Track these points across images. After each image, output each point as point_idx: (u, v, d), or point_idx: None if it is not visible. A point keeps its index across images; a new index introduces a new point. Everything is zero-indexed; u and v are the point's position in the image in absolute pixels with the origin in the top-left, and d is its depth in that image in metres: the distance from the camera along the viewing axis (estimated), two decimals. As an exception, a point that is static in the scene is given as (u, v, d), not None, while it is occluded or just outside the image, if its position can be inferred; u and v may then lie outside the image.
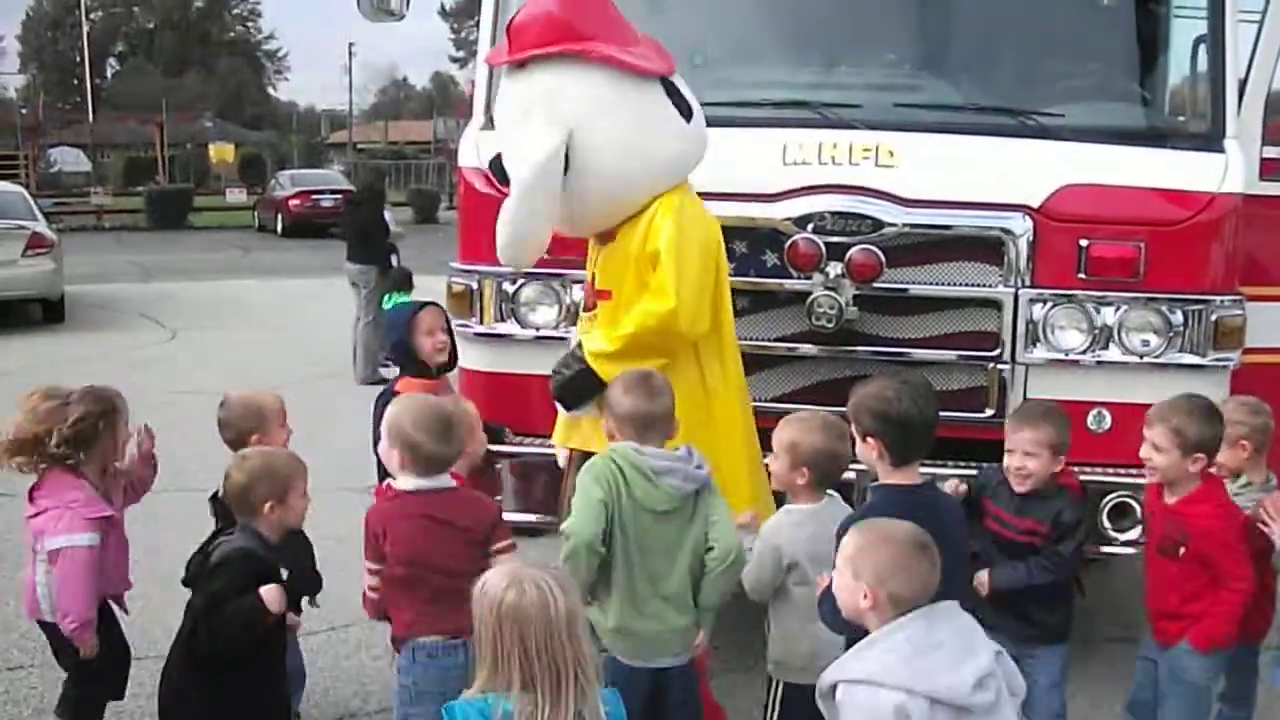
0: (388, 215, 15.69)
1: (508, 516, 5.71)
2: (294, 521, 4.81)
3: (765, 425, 5.42)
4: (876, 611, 3.58)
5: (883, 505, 4.31)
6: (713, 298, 4.98)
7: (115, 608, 5.44)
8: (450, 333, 6.06)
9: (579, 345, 5.09)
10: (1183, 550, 4.89)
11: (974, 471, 5.49)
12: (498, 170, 5.18)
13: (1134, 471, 5.41)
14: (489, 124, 6.34)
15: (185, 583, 4.71)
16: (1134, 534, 5.57)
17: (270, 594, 4.46)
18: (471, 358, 6.30)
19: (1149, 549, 5.11)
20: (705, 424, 4.95)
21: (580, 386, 5.00)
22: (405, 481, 4.58)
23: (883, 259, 5.64)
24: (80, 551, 5.02)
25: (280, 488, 4.68)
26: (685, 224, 4.88)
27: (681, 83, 5.08)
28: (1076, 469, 5.20)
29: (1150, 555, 5.10)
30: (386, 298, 13.69)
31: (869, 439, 4.47)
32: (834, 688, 3.57)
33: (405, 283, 13.89)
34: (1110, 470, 5.59)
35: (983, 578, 4.91)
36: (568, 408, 5.12)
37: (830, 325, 5.64)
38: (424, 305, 6.11)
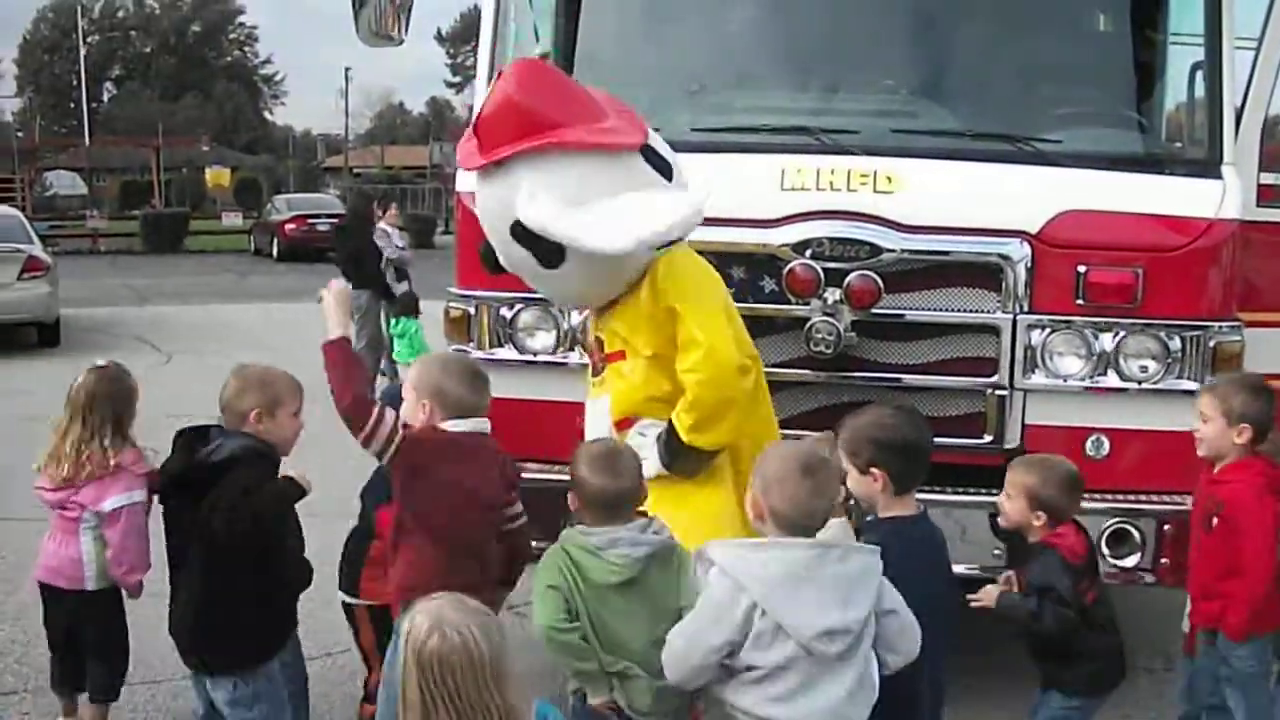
0: (393, 235, 15.64)
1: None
2: (279, 438, 5.00)
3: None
4: (763, 523, 3.91)
5: (890, 541, 4.26)
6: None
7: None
8: None
9: (669, 423, 4.91)
10: (1215, 520, 4.98)
11: (975, 498, 5.51)
12: (488, 260, 5.17)
13: (1132, 498, 5.42)
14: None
15: (180, 483, 4.91)
16: (1133, 560, 5.56)
17: (298, 472, 4.83)
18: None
19: (1193, 526, 5.20)
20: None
21: (691, 461, 4.92)
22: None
23: (881, 285, 5.64)
24: (139, 508, 5.48)
25: (270, 400, 4.91)
26: (688, 274, 4.91)
27: (658, 141, 5.01)
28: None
29: (1193, 533, 5.19)
30: (394, 323, 13.68)
31: (873, 470, 4.42)
32: (710, 565, 3.87)
33: (413, 308, 13.90)
34: (1109, 497, 5.57)
35: (991, 591, 4.90)
36: (679, 472, 4.99)
37: (829, 351, 5.63)
38: None
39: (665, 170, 4.93)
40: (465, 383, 4.67)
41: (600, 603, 4.22)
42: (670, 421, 4.87)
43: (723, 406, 4.82)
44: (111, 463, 5.46)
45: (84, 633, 5.72)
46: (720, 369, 4.78)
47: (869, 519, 4.52)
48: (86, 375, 5.60)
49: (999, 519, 5.04)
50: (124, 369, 5.75)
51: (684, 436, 4.83)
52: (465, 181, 6.22)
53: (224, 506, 4.71)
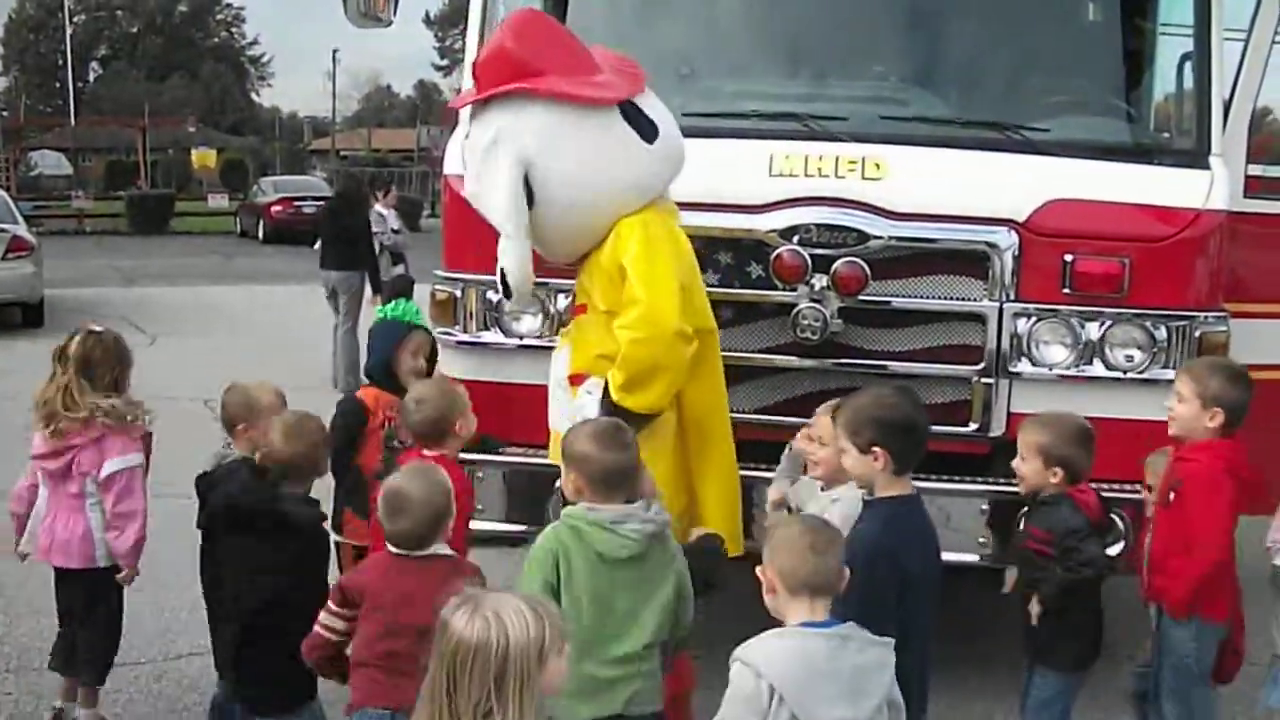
0: (389, 218, 15.60)
1: (491, 526, 5.74)
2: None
3: (747, 437, 5.45)
4: (775, 596, 3.80)
5: (890, 519, 4.39)
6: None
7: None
8: (431, 361, 6.14)
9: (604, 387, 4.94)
10: (1172, 495, 4.98)
11: (959, 486, 5.52)
12: (503, 285, 5.11)
13: (1117, 487, 5.42)
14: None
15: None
16: (1117, 548, 5.56)
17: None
18: (455, 366, 6.26)
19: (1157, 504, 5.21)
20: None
21: (628, 422, 4.79)
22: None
23: (868, 272, 5.64)
24: (138, 471, 5.50)
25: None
26: (650, 236, 4.89)
27: (650, 102, 5.06)
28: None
29: (1156, 510, 5.20)
30: (394, 305, 13.67)
31: (874, 449, 4.43)
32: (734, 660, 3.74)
33: (408, 290, 13.87)
34: (1094, 486, 5.57)
35: (1033, 605, 4.91)
36: None
37: (815, 338, 5.63)
38: (417, 327, 6.17)
39: (647, 131, 4.96)
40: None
41: (605, 577, 4.26)
42: (605, 386, 4.89)
43: (654, 369, 4.82)
44: (111, 419, 5.48)
45: (93, 611, 5.68)
46: (655, 329, 4.77)
47: (866, 499, 4.53)
48: (85, 335, 5.66)
49: (1018, 486, 5.07)
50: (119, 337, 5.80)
51: (614, 396, 4.83)
52: (453, 164, 6.22)
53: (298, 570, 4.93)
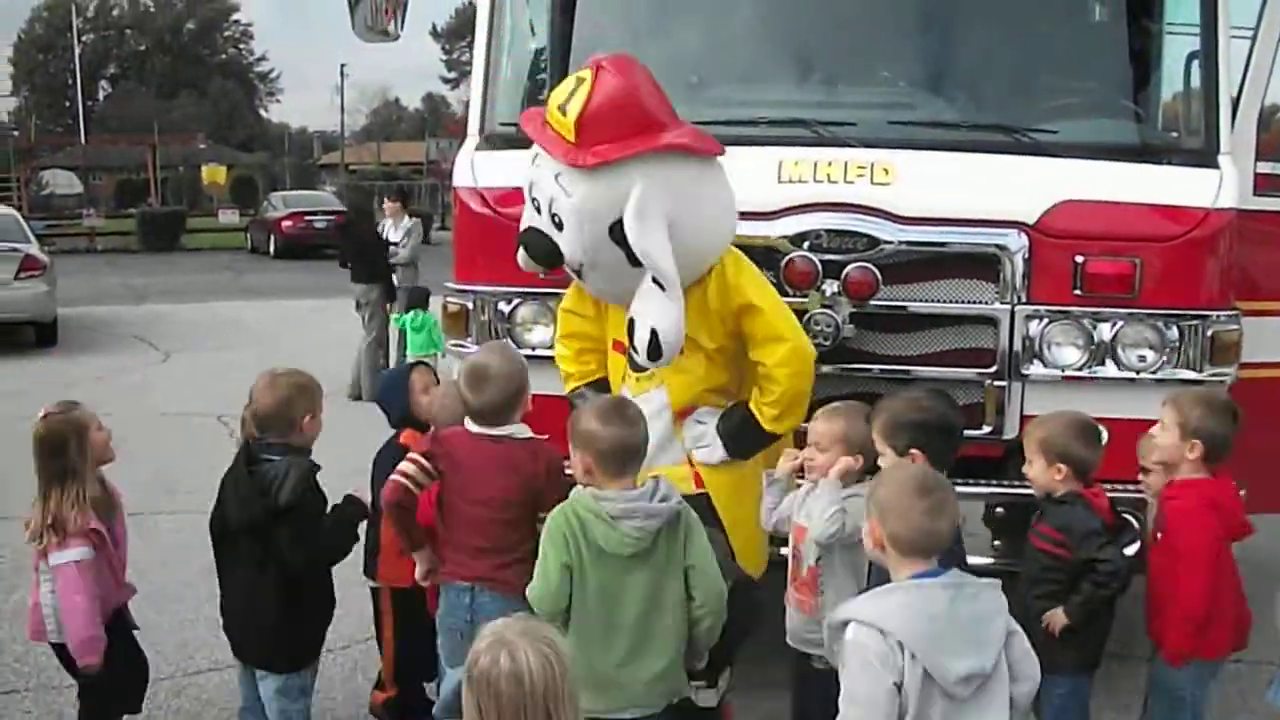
0: (388, 226, 15.69)
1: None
2: (314, 436, 5.18)
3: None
4: (884, 552, 3.80)
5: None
6: None
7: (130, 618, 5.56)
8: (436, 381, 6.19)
9: (745, 410, 5.15)
10: (1159, 536, 4.99)
11: (972, 489, 5.52)
12: (538, 249, 5.08)
13: (1131, 487, 5.41)
14: (484, 144, 6.35)
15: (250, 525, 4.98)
16: (1134, 549, 5.54)
17: (361, 493, 5.15)
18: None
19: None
20: None
21: (754, 442, 5.20)
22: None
23: (879, 277, 5.65)
24: (82, 567, 5.08)
25: (315, 403, 5.14)
26: (755, 272, 5.20)
27: None
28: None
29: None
30: (412, 316, 13.95)
31: (912, 451, 4.51)
32: (845, 624, 3.68)
33: (423, 301, 14.11)
34: (1108, 487, 5.54)
35: (1057, 616, 4.88)
36: (744, 458, 5.25)
37: (828, 343, 5.63)
38: (412, 367, 6.20)
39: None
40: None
41: (609, 572, 4.29)
42: (744, 412, 5.13)
43: (804, 396, 5.15)
44: (68, 523, 5.16)
45: (79, 675, 5.36)
46: (806, 362, 5.12)
47: None
48: (35, 424, 5.34)
49: (1034, 492, 5.09)
50: (69, 406, 5.41)
51: (768, 427, 5.10)
52: (463, 177, 6.24)
53: (302, 546, 5.01)
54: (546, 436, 5.05)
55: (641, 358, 4.93)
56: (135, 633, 5.58)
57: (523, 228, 5.15)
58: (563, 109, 4.80)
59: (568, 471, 5.00)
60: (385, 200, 16.72)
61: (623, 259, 4.88)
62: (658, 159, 4.84)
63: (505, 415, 4.89)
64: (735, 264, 5.10)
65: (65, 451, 5.20)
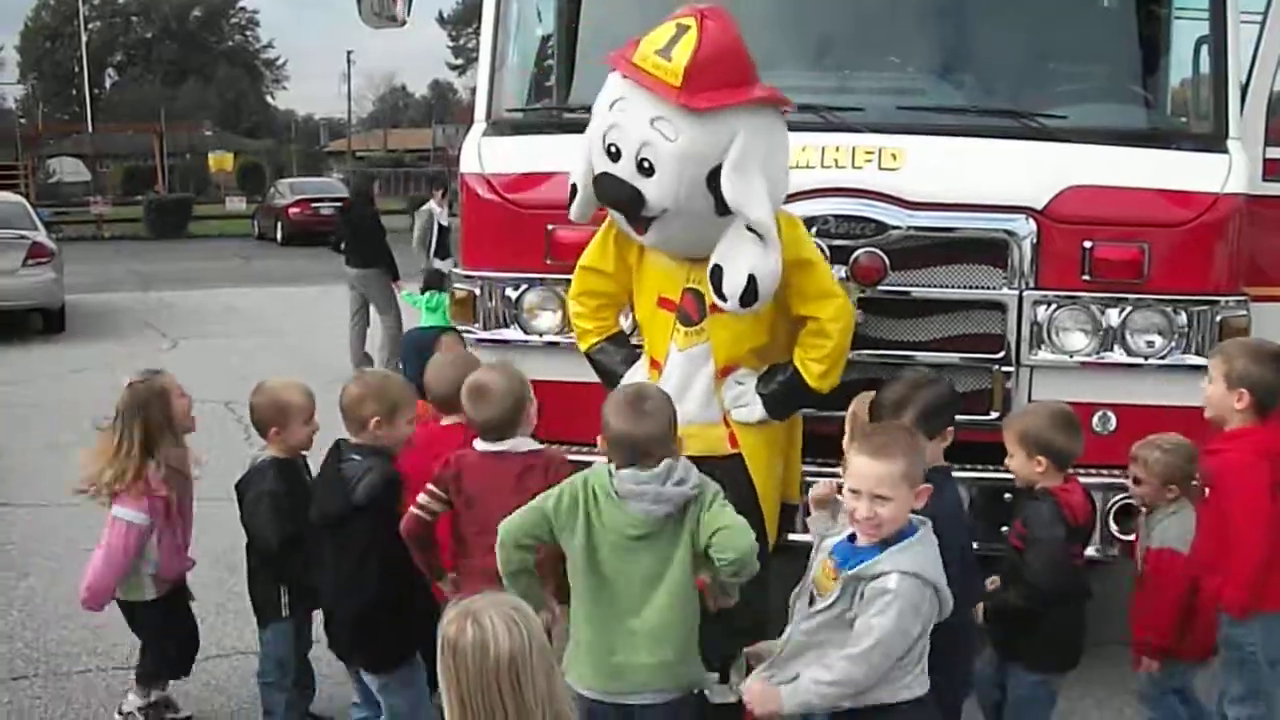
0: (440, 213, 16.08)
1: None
2: (394, 440, 5.24)
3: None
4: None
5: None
6: None
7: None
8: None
9: (789, 367, 5.18)
10: (1207, 491, 4.93)
11: (976, 474, 5.53)
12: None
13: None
14: (491, 129, 6.34)
15: (330, 516, 5.11)
16: (1094, 550, 5.56)
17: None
18: (475, 363, 6.27)
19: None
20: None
21: (796, 400, 5.26)
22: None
23: (887, 262, 5.64)
24: (134, 530, 5.53)
25: (389, 407, 5.16)
26: (806, 230, 5.27)
27: None
28: (1083, 476, 5.19)
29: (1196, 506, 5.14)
30: (428, 297, 14.16)
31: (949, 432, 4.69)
32: (881, 575, 3.92)
33: (439, 283, 14.35)
34: (1116, 472, 5.56)
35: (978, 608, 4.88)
36: (782, 418, 5.31)
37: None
38: (444, 330, 6.20)
39: None
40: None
41: (613, 551, 4.29)
42: (790, 370, 5.17)
43: (845, 353, 5.21)
44: (128, 478, 5.56)
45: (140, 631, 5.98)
46: (852, 318, 5.23)
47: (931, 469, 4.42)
48: (121, 391, 5.72)
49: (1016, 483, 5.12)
50: (154, 375, 5.82)
51: (814, 384, 5.15)
52: (470, 163, 6.23)
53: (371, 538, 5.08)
54: (552, 446, 5.13)
55: (732, 303, 4.90)
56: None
57: (595, 173, 5.05)
58: (664, 54, 4.76)
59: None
60: (432, 189, 16.99)
61: (711, 207, 4.85)
62: (755, 109, 4.88)
63: (508, 430, 4.93)
64: (789, 221, 5.11)
65: (148, 416, 5.58)
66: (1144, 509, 5.31)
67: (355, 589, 5.11)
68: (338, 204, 36.82)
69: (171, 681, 6.06)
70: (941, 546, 4.07)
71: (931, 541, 4.02)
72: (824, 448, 5.45)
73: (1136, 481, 5.26)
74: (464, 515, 4.94)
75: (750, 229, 4.80)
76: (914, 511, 4.06)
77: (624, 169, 4.91)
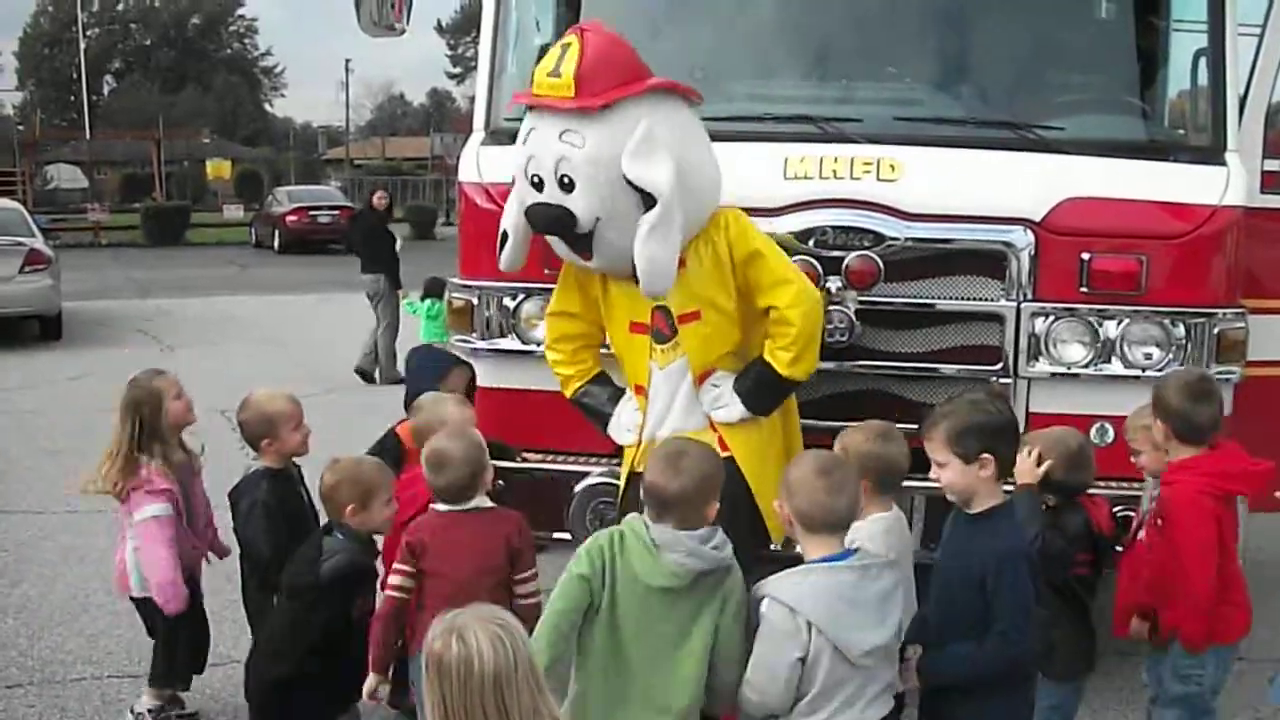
0: None
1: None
2: (373, 526, 5.25)
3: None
4: (793, 528, 4.13)
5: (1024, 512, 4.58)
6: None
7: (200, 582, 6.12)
8: (470, 393, 6.27)
9: (760, 361, 5.16)
10: (1159, 522, 4.92)
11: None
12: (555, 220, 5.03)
13: (1138, 485, 5.41)
14: (489, 138, 6.34)
15: (295, 588, 5.17)
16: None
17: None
18: (472, 373, 6.29)
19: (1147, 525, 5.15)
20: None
21: (771, 393, 5.22)
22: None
23: (881, 267, 5.63)
24: (163, 522, 5.73)
25: (363, 494, 5.15)
26: (755, 224, 5.25)
27: None
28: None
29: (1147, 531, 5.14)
30: (429, 304, 14.60)
31: (984, 458, 4.27)
32: (761, 599, 4.05)
33: (440, 290, 14.87)
34: (1114, 484, 5.56)
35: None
36: (763, 412, 5.29)
37: (844, 340, 5.61)
38: (458, 363, 6.25)
39: None
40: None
41: (639, 602, 4.17)
42: (760, 364, 5.14)
43: (816, 339, 5.16)
44: (136, 475, 5.75)
45: (154, 632, 6.10)
46: (814, 302, 5.15)
47: (970, 511, 4.36)
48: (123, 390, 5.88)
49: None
50: (152, 376, 5.95)
51: (784, 372, 5.10)
52: (468, 172, 6.23)
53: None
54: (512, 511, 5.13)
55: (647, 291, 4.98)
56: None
57: (523, 208, 5.09)
58: (554, 73, 4.87)
59: (524, 465, 5.62)
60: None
61: (637, 203, 4.86)
62: (655, 98, 4.93)
63: (467, 494, 4.96)
64: (736, 217, 5.14)
65: (140, 416, 5.75)
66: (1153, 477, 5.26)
67: (281, 656, 5.16)
68: (335, 212, 37.02)
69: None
70: (995, 591, 4.15)
71: (842, 575, 3.99)
72: None
73: (1135, 454, 5.27)
74: (428, 582, 4.93)
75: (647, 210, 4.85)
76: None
77: (549, 193, 4.98)
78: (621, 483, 5.49)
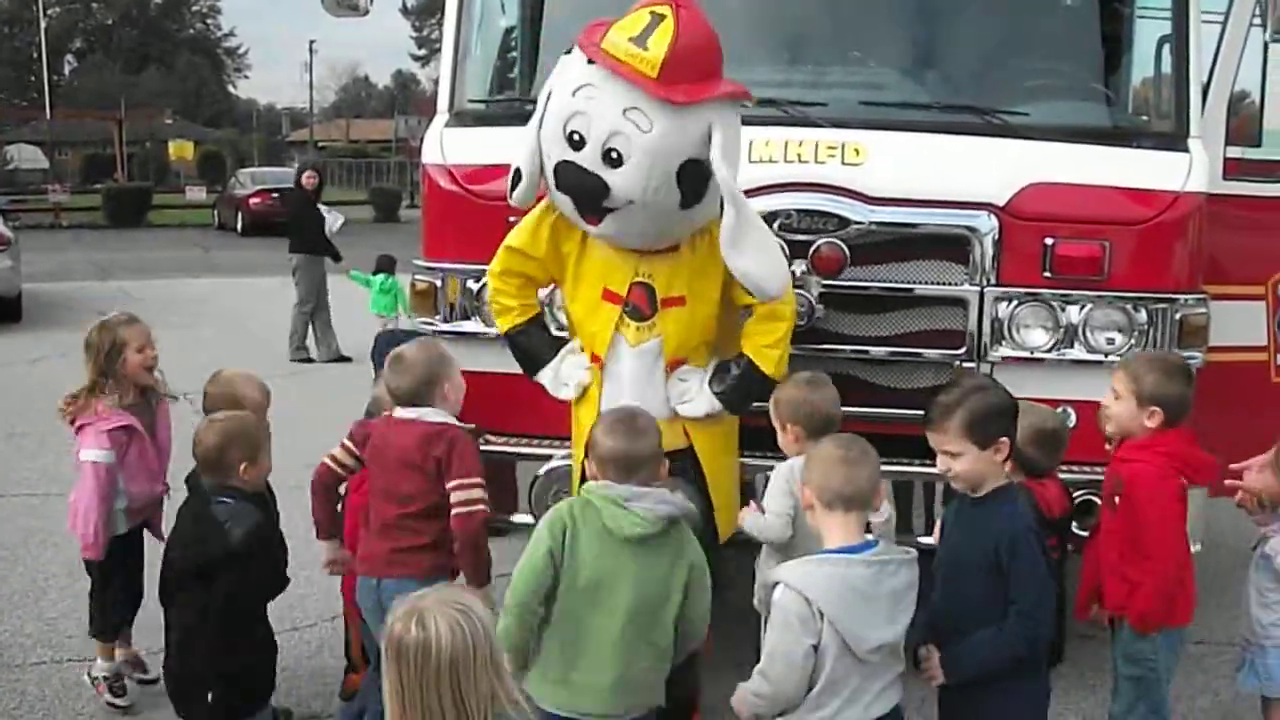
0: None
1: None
2: (260, 479, 5.16)
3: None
4: (814, 512, 4.13)
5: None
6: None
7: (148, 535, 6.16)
8: None
9: (742, 360, 5.18)
10: (1117, 500, 4.89)
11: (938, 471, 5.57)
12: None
13: (1099, 469, 5.43)
14: (453, 121, 6.31)
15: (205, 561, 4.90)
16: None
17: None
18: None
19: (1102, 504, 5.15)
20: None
21: (754, 392, 5.22)
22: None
23: (847, 253, 5.64)
24: (100, 469, 5.76)
25: (251, 450, 5.04)
26: None
27: None
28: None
29: (1102, 512, 5.14)
30: (382, 279, 15.82)
31: (1000, 441, 4.25)
32: (774, 584, 4.04)
33: (390, 266, 15.95)
34: (1075, 468, 5.58)
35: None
36: (742, 411, 5.33)
37: (802, 324, 5.60)
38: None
39: None
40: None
41: (611, 557, 4.25)
42: (745, 361, 5.18)
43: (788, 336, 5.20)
44: (89, 409, 5.82)
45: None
46: (794, 302, 5.24)
47: (975, 494, 4.33)
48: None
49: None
50: (122, 322, 6.06)
51: (771, 370, 5.15)
52: (432, 154, 6.20)
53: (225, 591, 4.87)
54: (468, 425, 5.16)
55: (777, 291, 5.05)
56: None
57: (554, 160, 4.99)
58: (639, 43, 4.72)
59: (486, 448, 5.51)
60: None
61: (677, 202, 4.86)
62: (725, 103, 4.90)
63: (420, 398, 5.03)
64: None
65: (98, 357, 5.87)
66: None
67: (202, 640, 4.86)
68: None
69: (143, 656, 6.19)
70: (1012, 569, 4.14)
71: (857, 568, 3.96)
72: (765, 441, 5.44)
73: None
74: (367, 472, 5.09)
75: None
76: None
77: (588, 158, 4.87)
78: (578, 458, 5.40)
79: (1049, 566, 4.30)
